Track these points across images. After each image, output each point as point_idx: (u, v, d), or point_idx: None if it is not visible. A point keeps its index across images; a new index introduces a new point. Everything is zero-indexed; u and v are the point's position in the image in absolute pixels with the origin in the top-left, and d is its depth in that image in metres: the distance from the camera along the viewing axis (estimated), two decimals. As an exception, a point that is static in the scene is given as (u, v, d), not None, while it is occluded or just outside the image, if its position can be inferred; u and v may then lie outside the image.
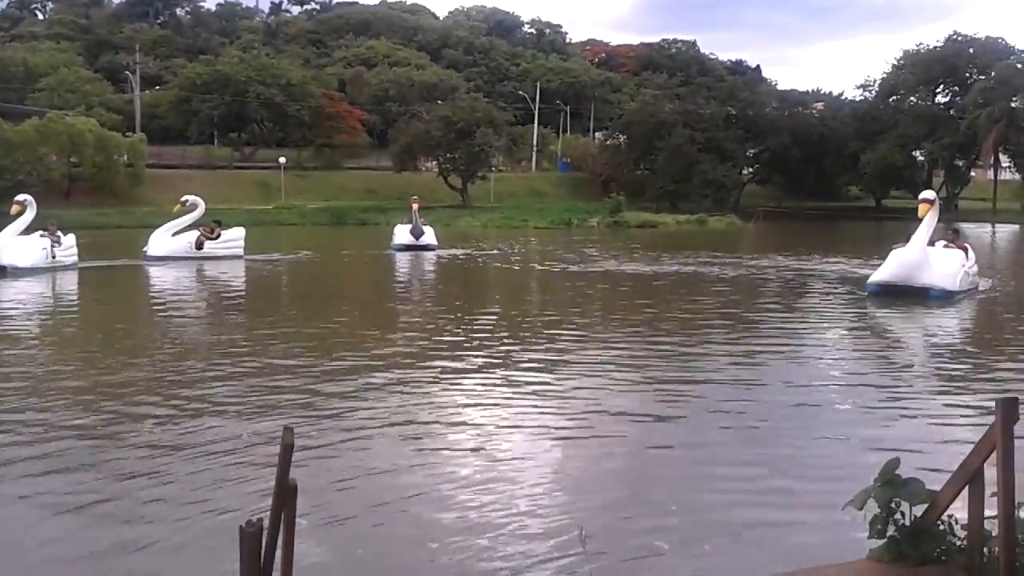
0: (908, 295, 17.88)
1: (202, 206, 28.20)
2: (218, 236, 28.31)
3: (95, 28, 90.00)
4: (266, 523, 2.87)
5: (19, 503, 6.62)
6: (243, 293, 21.99)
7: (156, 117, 70.02)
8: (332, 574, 5.36)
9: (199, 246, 27.51)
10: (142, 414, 9.03)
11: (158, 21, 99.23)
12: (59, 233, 24.45)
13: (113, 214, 47.52)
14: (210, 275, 24.50)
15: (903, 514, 4.17)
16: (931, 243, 19.45)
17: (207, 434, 8.28)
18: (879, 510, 4.19)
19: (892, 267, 18.72)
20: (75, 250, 24.85)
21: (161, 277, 23.55)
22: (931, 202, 18.80)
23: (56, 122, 52.51)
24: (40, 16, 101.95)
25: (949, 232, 21.22)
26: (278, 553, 2.93)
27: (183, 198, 28.70)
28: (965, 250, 19.71)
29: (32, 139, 50.60)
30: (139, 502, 6.63)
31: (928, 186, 62.78)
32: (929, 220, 18.56)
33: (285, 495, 2.84)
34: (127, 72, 72.79)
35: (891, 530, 4.17)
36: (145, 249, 27.04)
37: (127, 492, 6.81)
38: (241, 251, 28.38)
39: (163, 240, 27.27)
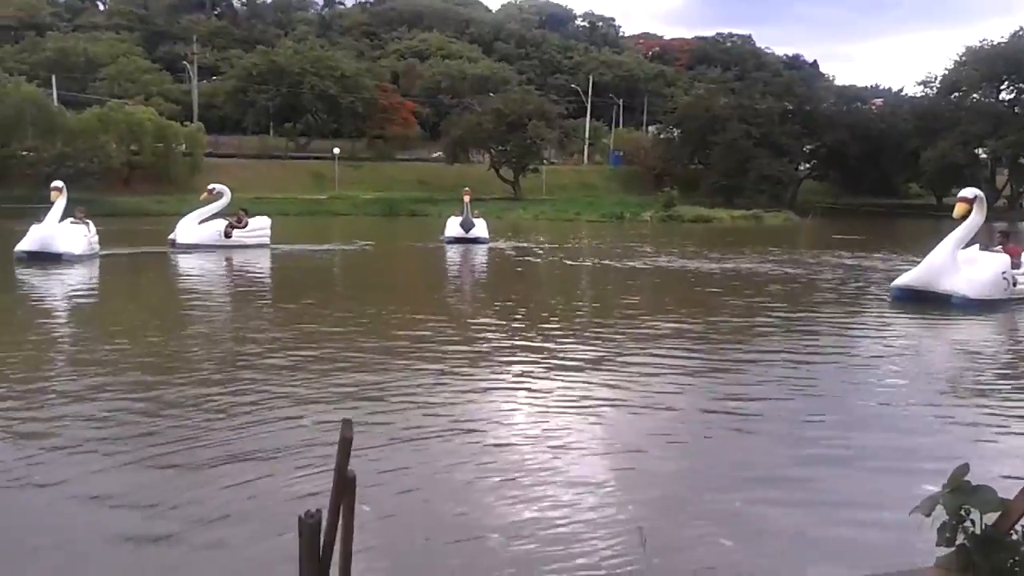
0: (931, 301, 16.76)
1: (228, 194, 28.20)
2: (245, 225, 28.46)
3: (153, 19, 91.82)
4: (325, 514, 2.85)
5: (86, 462, 6.79)
6: (294, 281, 22.14)
7: (213, 107, 71.31)
8: (386, 562, 5.35)
9: (228, 234, 27.66)
10: (205, 393, 9.18)
11: (214, 12, 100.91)
12: (87, 220, 24.15)
13: (171, 201, 48.33)
14: (242, 263, 24.49)
15: (973, 522, 4.02)
16: (984, 247, 18.41)
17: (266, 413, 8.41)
18: (948, 517, 4.05)
19: (915, 271, 17.72)
20: (97, 237, 24.55)
21: (193, 265, 23.54)
22: (970, 200, 17.14)
23: (116, 111, 53.73)
24: (101, 7, 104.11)
25: (998, 234, 19.77)
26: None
27: (209, 186, 28.74)
28: (1018, 254, 18.26)
29: (93, 127, 51.81)
30: (200, 469, 6.77)
31: (992, 185, 61.47)
32: (971, 221, 17.19)
33: (344, 487, 2.81)
34: (185, 62, 74.07)
35: (960, 538, 4.02)
36: (172, 237, 27.00)
37: (189, 461, 6.93)
38: (268, 239, 28.52)
39: (191, 228, 27.23)
